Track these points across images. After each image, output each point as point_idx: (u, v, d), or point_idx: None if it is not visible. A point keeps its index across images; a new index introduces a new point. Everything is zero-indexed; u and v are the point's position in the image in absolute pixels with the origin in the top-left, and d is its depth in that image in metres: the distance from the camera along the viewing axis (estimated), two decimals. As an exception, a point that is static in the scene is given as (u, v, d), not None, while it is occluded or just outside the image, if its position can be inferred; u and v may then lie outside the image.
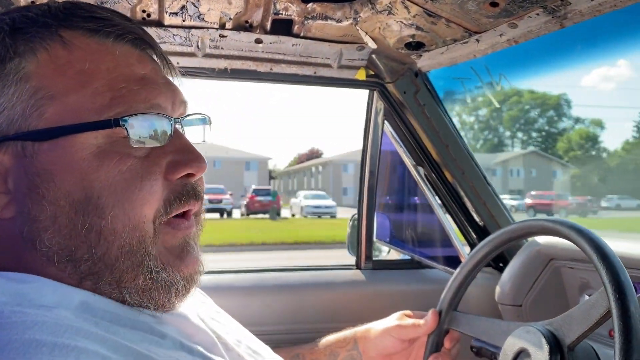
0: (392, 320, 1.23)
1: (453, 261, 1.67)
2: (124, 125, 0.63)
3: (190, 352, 0.66)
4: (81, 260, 0.63)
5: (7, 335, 0.50)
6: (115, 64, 0.66)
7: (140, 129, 0.65)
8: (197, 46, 1.30)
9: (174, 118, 0.70)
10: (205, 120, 0.77)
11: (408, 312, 1.27)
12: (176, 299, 0.69)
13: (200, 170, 0.70)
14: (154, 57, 0.73)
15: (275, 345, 1.04)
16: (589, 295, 1.19)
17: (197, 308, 0.80)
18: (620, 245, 1.28)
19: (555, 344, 0.93)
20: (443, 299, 1.26)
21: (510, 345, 1.03)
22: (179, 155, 0.68)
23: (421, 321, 1.21)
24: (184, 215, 0.71)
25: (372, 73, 1.50)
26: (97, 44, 0.66)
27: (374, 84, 1.53)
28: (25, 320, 0.52)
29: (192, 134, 0.76)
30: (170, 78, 0.75)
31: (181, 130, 0.72)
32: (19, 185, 0.63)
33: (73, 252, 0.62)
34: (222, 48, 1.32)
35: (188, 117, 0.74)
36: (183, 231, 0.70)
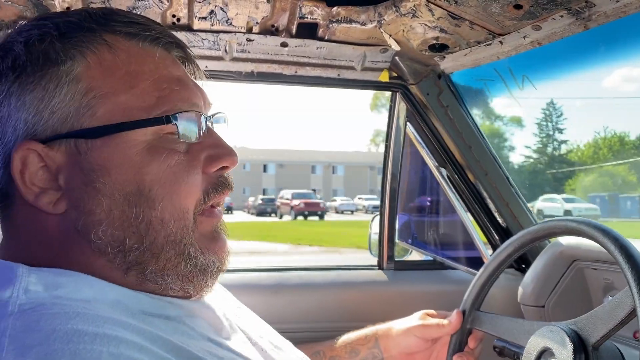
0: (415, 319, 1.24)
1: (475, 262, 1.68)
2: (175, 122, 0.68)
3: (219, 344, 0.69)
4: (131, 250, 0.66)
5: (51, 325, 0.53)
6: (155, 66, 0.70)
7: (185, 125, 0.70)
8: (225, 50, 1.33)
9: (208, 116, 0.75)
10: (224, 120, 0.82)
11: (431, 311, 1.28)
12: (211, 280, 0.74)
13: (234, 163, 0.75)
14: (185, 59, 0.78)
15: (298, 343, 1.07)
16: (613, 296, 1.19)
17: (220, 303, 0.83)
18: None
19: (579, 343, 0.93)
20: (466, 299, 1.26)
21: (534, 344, 1.03)
22: (214, 149, 0.73)
23: (445, 321, 1.21)
24: (212, 206, 0.75)
25: (395, 75, 1.52)
26: (138, 47, 0.71)
27: (397, 85, 1.54)
28: (67, 312, 0.55)
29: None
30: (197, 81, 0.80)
31: (212, 128, 0.76)
32: (71, 181, 0.66)
33: (125, 243, 0.66)
34: (248, 52, 1.35)
35: (216, 116, 0.79)
36: (216, 218, 0.75)
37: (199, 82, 0.79)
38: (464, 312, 1.23)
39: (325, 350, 1.24)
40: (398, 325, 1.25)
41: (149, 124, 0.67)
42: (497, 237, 1.68)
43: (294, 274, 1.63)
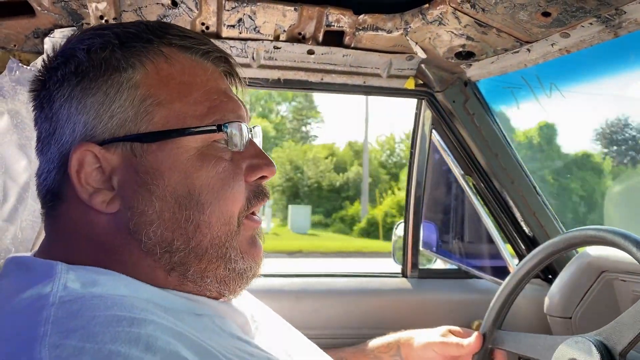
0: (436, 335, 1.25)
1: (501, 271, 1.66)
2: (225, 130, 0.73)
3: (247, 343, 0.72)
4: (177, 251, 0.70)
5: (92, 312, 0.56)
6: (207, 78, 0.75)
7: (231, 135, 0.74)
8: (253, 57, 1.35)
9: (251, 127, 0.79)
10: (259, 133, 0.85)
11: (454, 328, 1.28)
12: (245, 285, 0.77)
13: (272, 173, 0.78)
14: (232, 73, 0.83)
15: (320, 349, 1.07)
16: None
17: (246, 305, 0.86)
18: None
19: (606, 352, 0.92)
20: (487, 318, 1.26)
21: (560, 355, 1.02)
22: (255, 159, 0.77)
23: (465, 341, 1.22)
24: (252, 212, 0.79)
25: (421, 82, 1.53)
26: (191, 60, 0.75)
27: (422, 93, 1.54)
28: (106, 301, 0.58)
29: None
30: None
31: (252, 139, 0.80)
32: (125, 183, 0.69)
33: (173, 243, 0.69)
34: (276, 59, 1.37)
35: (254, 129, 0.82)
36: (255, 224, 0.78)
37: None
38: (484, 335, 1.23)
39: (349, 356, 1.25)
40: (419, 337, 1.26)
41: (202, 132, 0.71)
42: (523, 247, 1.66)
43: (317, 280, 1.63)
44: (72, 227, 0.70)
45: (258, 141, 0.83)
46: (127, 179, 0.69)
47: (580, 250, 1.53)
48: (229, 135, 0.73)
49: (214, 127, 0.72)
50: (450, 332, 1.26)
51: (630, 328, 0.91)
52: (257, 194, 0.77)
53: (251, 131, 0.80)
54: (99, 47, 0.71)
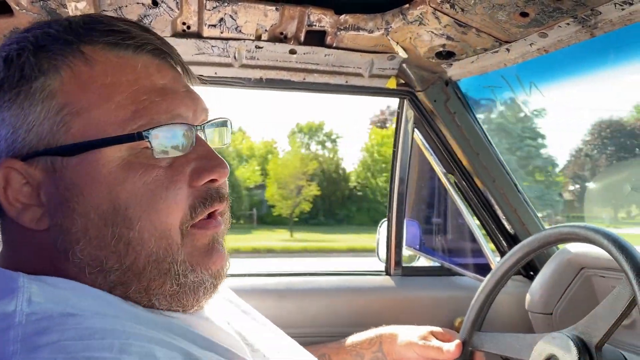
0: (417, 336, 1.25)
1: (483, 269, 1.68)
2: (147, 138, 0.64)
3: (221, 354, 0.68)
4: (111, 270, 0.64)
5: (62, 327, 0.55)
6: (135, 77, 0.67)
7: (163, 139, 0.66)
8: (234, 57, 1.35)
9: (195, 126, 0.71)
10: (226, 124, 0.78)
11: (436, 329, 1.28)
12: (204, 298, 0.71)
13: (223, 175, 0.71)
14: (174, 65, 0.74)
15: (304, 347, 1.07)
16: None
17: (223, 310, 0.83)
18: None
19: (582, 346, 0.94)
20: (466, 321, 1.28)
21: (539, 352, 1.04)
22: (201, 162, 0.70)
23: (445, 347, 1.22)
24: (211, 215, 0.72)
25: (403, 82, 1.53)
26: (117, 57, 0.67)
27: (404, 92, 1.55)
28: (75, 314, 0.57)
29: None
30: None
31: (203, 137, 0.73)
32: (50, 199, 0.64)
33: (103, 263, 0.64)
34: (257, 59, 1.37)
35: (209, 123, 0.75)
36: (212, 230, 0.72)
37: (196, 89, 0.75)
38: (464, 342, 1.25)
39: (331, 353, 1.26)
40: (402, 335, 1.26)
41: (120, 141, 0.64)
42: (505, 244, 1.68)
43: (300, 279, 1.64)
44: (20, 239, 0.67)
45: (218, 136, 0.76)
46: (51, 195, 0.64)
47: (561, 247, 1.55)
48: (158, 141, 0.65)
49: (134, 135, 0.64)
50: (432, 334, 1.27)
51: (605, 320, 0.93)
52: (204, 200, 0.69)
53: (201, 128, 0.72)
54: (15, 54, 0.66)
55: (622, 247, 0.92)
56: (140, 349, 0.54)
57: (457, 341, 1.23)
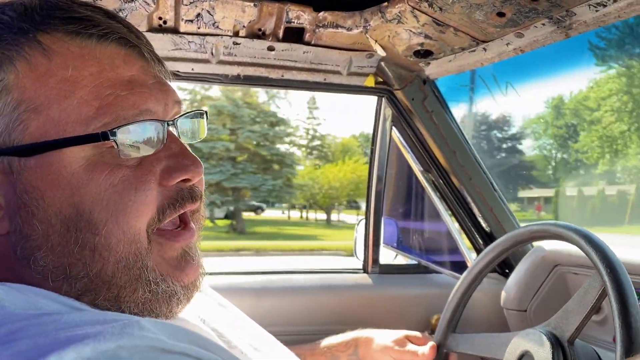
0: (392, 341, 1.25)
1: (460, 266, 1.69)
2: (113, 138, 0.59)
3: (205, 348, 0.66)
4: (77, 278, 0.60)
5: (45, 321, 0.50)
6: (99, 69, 0.61)
7: (131, 137, 0.61)
8: (212, 53, 1.33)
9: (167, 121, 0.65)
10: (201, 116, 0.73)
11: (411, 333, 1.29)
12: (178, 307, 0.67)
13: (197, 175, 0.66)
14: (143, 54, 0.67)
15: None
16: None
17: (197, 308, 0.80)
18: (625, 251, 1.30)
19: (555, 341, 0.96)
20: (441, 323, 1.29)
21: (513, 349, 1.05)
22: (173, 160, 0.65)
23: (419, 350, 1.23)
24: (184, 225, 0.69)
25: (381, 80, 1.54)
26: (79, 48, 0.61)
27: (382, 90, 1.56)
28: (42, 321, 0.51)
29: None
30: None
31: (175, 133, 0.68)
32: (9, 203, 0.59)
33: (68, 271, 0.59)
34: (235, 55, 1.35)
35: (182, 117, 0.69)
36: (181, 242, 0.67)
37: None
38: (439, 344, 1.26)
39: (306, 354, 1.25)
40: (378, 339, 1.26)
41: (84, 141, 0.58)
42: (481, 242, 1.70)
43: (278, 277, 1.63)
44: None
45: (192, 130, 0.71)
46: (9, 198, 0.59)
47: (535, 245, 1.58)
48: (125, 140, 0.60)
49: (98, 135, 0.59)
50: (407, 338, 1.27)
51: (576, 314, 0.95)
52: (175, 201, 0.65)
53: (173, 123, 0.67)
54: None
55: (592, 242, 0.94)
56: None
57: (431, 343, 1.24)
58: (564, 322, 0.98)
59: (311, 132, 34.84)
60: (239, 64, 1.39)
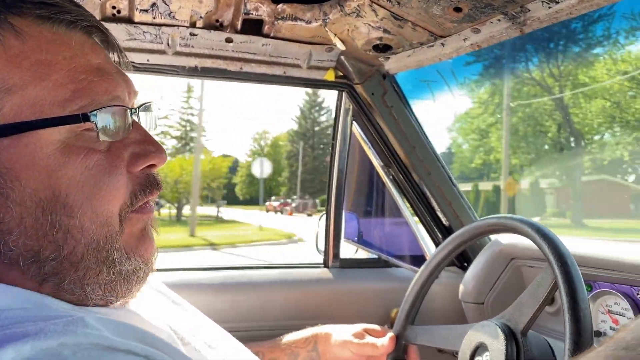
0: (351, 334, 1.26)
1: (419, 260, 1.71)
2: (94, 120, 0.61)
3: (152, 345, 0.66)
4: (47, 261, 0.60)
5: None
6: (72, 54, 0.62)
7: (105, 122, 0.63)
8: (168, 44, 1.30)
9: (133, 109, 0.68)
10: (152, 108, 0.75)
11: (370, 326, 1.30)
12: (137, 286, 0.69)
13: (162, 161, 0.69)
14: (108, 43, 0.70)
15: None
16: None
17: (152, 302, 0.80)
18: (577, 243, 1.34)
19: (509, 333, 0.97)
20: (399, 315, 1.30)
21: (468, 341, 1.07)
22: (139, 147, 0.67)
23: (379, 342, 1.24)
24: (145, 203, 0.71)
25: (341, 74, 1.53)
26: (51, 33, 0.62)
27: (342, 85, 1.55)
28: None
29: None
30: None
31: (138, 121, 0.70)
32: None
33: (40, 253, 0.60)
34: (192, 46, 1.33)
35: (143, 106, 0.72)
36: (146, 215, 0.70)
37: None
38: (398, 335, 1.27)
39: (265, 351, 1.24)
40: (337, 334, 1.26)
41: (63, 122, 0.59)
42: (440, 236, 1.72)
43: (236, 273, 1.61)
44: None
45: (149, 120, 0.73)
46: None
47: (493, 238, 1.60)
48: (100, 123, 0.62)
49: (78, 116, 0.60)
50: (366, 331, 1.28)
51: (529, 306, 0.97)
52: (145, 187, 0.67)
53: (136, 112, 0.70)
54: None
55: (545, 235, 0.96)
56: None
57: (390, 334, 1.25)
58: (518, 314, 0.99)
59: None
60: (197, 55, 1.36)
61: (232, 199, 62.11)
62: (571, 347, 0.82)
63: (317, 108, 62.01)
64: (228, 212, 44.05)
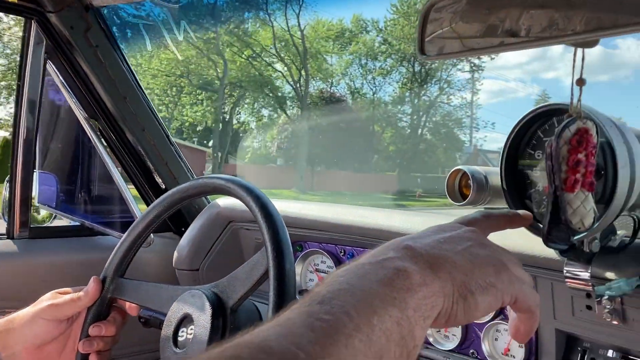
0: (43, 302, 1.01)
1: (130, 227, 1.52)
2: None
3: None
4: None
5: None
6: None
7: None
8: None
9: None
10: None
11: (63, 289, 1.07)
12: None
13: None
14: None
15: None
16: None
17: None
18: (289, 206, 1.33)
19: (218, 306, 0.90)
20: (108, 265, 1.11)
21: (175, 311, 0.96)
22: None
23: (81, 293, 1.03)
24: None
25: (30, -3, 1.23)
26: None
27: (30, 11, 1.25)
28: None
29: None
30: None
31: None
32: None
33: None
34: None
35: None
36: None
37: None
38: (104, 280, 1.07)
39: None
40: (20, 316, 1.00)
41: None
42: (155, 200, 1.55)
43: None
44: None
45: None
46: None
47: (212, 201, 1.52)
48: None
49: None
50: (59, 293, 1.05)
51: (242, 284, 0.91)
52: None
53: None
54: None
55: (256, 197, 0.89)
56: None
57: (93, 277, 1.05)
58: (231, 289, 0.93)
59: None
60: None
61: None
62: (274, 308, 0.78)
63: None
64: None
